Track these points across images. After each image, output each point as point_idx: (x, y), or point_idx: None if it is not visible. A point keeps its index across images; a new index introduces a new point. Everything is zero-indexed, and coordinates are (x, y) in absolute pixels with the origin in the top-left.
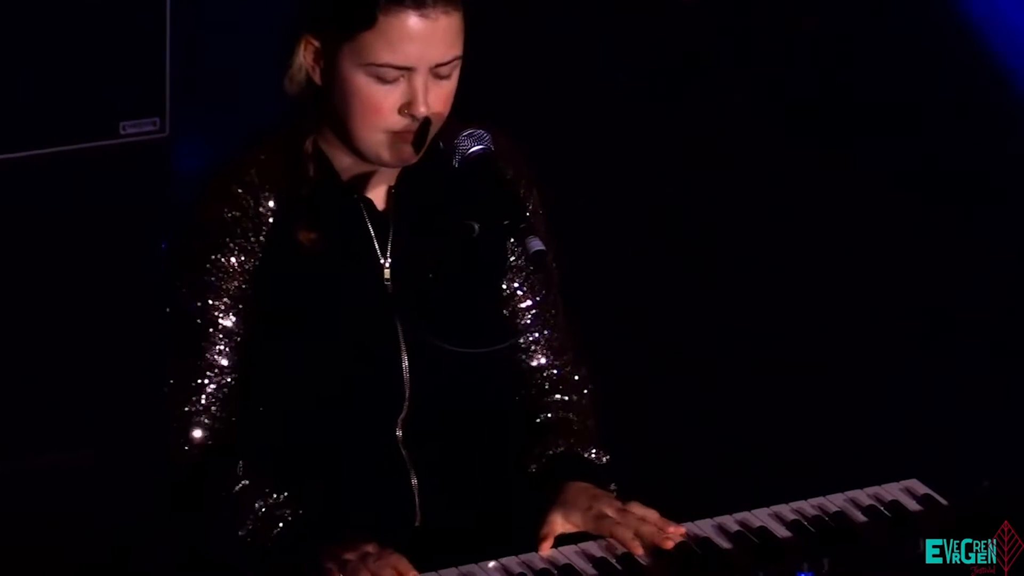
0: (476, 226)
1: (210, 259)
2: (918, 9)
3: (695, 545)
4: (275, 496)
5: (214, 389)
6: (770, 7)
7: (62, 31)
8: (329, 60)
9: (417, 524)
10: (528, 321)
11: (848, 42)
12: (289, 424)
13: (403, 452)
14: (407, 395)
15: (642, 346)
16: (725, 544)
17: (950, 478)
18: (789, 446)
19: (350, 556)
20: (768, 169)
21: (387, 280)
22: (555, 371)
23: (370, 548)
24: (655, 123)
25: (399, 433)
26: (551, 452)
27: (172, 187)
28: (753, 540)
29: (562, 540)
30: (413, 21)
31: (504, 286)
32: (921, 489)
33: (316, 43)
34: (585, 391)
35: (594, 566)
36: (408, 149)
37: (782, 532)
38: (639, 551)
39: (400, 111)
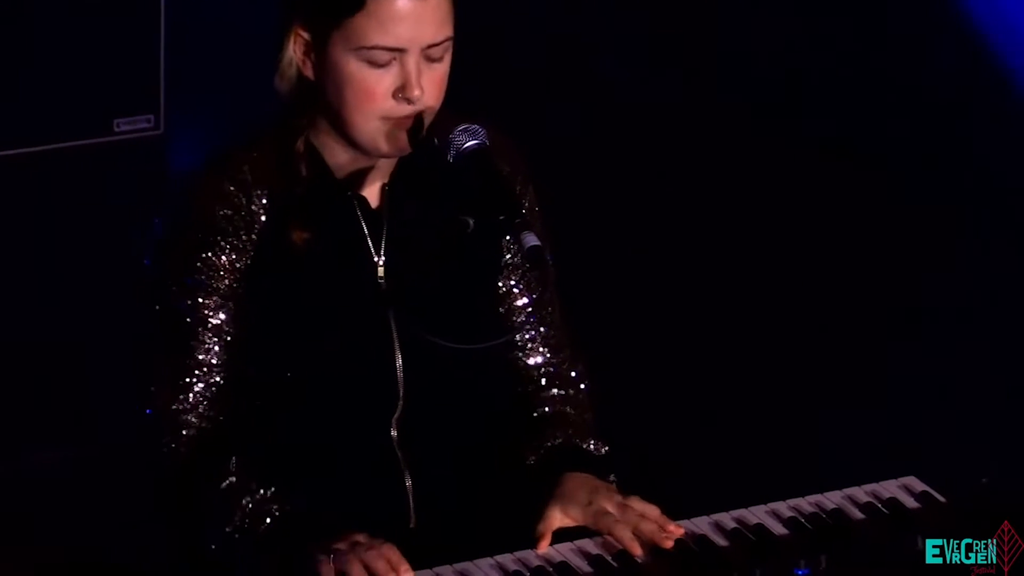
0: (471, 222)
1: (201, 257)
2: (918, 8)
3: (692, 543)
4: (262, 491)
5: (203, 388)
6: (769, 4)
7: (56, 29)
8: (319, 50)
9: (412, 525)
10: (524, 319)
11: (849, 40)
12: (282, 424)
13: (397, 452)
14: (401, 394)
15: (638, 343)
16: (722, 542)
17: (948, 475)
18: (786, 443)
19: (340, 546)
20: (766, 167)
21: (381, 278)
22: (552, 368)
23: (360, 538)
24: (653, 120)
25: (393, 433)
26: (549, 444)
27: (167, 185)
28: (750, 538)
29: (559, 535)
30: (403, 1)
31: (500, 283)
32: (919, 486)
33: (305, 35)
34: (582, 386)
35: (590, 564)
36: (404, 137)
37: (779, 529)
38: (638, 551)
39: (394, 95)
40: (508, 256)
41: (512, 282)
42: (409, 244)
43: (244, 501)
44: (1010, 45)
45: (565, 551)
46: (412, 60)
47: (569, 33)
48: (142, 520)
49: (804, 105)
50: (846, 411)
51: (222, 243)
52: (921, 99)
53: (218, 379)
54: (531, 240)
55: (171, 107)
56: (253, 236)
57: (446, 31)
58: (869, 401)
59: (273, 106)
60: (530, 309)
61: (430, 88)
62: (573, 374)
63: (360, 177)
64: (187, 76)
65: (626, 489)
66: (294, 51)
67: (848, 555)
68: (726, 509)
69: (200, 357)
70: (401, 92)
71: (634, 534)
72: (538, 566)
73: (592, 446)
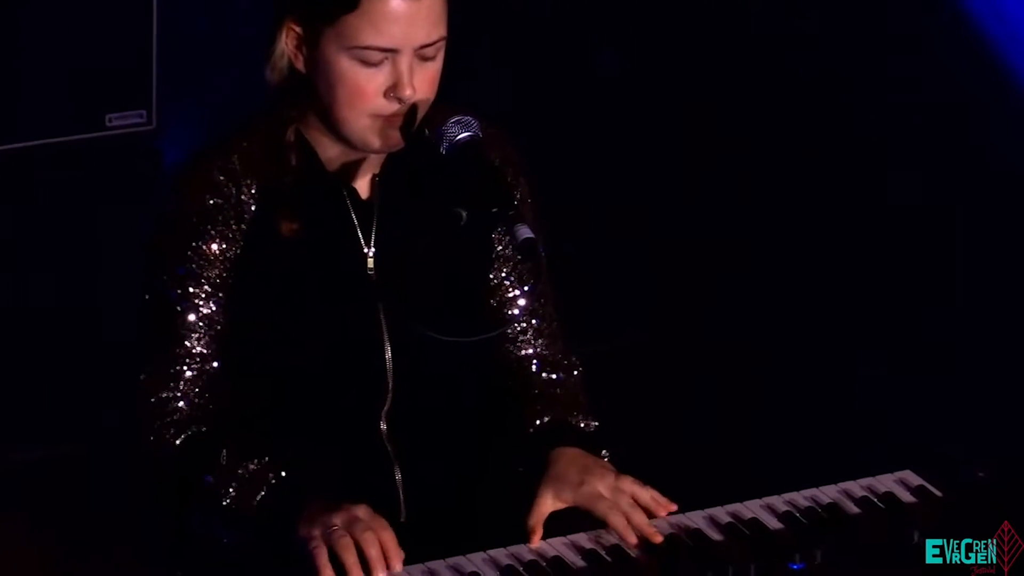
0: (464, 213)
1: (191, 246)
2: (919, 6)
3: (686, 537)
4: (256, 460)
5: (193, 376)
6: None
7: (48, 23)
8: (312, 46)
9: (402, 519)
10: (517, 311)
11: (849, 38)
12: (270, 416)
13: (387, 446)
14: (390, 387)
15: (633, 336)
16: (716, 536)
17: (945, 469)
18: (782, 436)
19: (337, 521)
20: (765, 163)
21: (371, 270)
22: (545, 357)
23: (360, 513)
24: (646, 111)
25: (383, 426)
26: (538, 422)
27: (159, 179)
28: (745, 532)
29: (553, 527)
30: (396, 2)
31: (492, 276)
32: (915, 480)
33: (298, 29)
34: (575, 372)
35: (583, 558)
36: (395, 134)
37: (774, 524)
38: (633, 540)
39: (386, 94)
40: (500, 248)
41: (504, 274)
42: (399, 236)
43: (239, 472)
44: (1013, 43)
45: (558, 545)
46: (405, 60)
47: (560, 21)
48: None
49: (801, 99)
50: (842, 405)
51: (212, 232)
52: (922, 98)
53: (208, 369)
54: (524, 232)
55: (163, 102)
56: (243, 226)
57: (439, 31)
58: (865, 394)
59: (265, 102)
60: (522, 302)
61: (422, 85)
62: (565, 362)
63: (350, 168)
64: (179, 71)
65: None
66: (286, 44)
67: (844, 549)
68: (721, 503)
69: (190, 347)
70: (393, 91)
71: (628, 525)
72: (531, 560)
73: (582, 422)
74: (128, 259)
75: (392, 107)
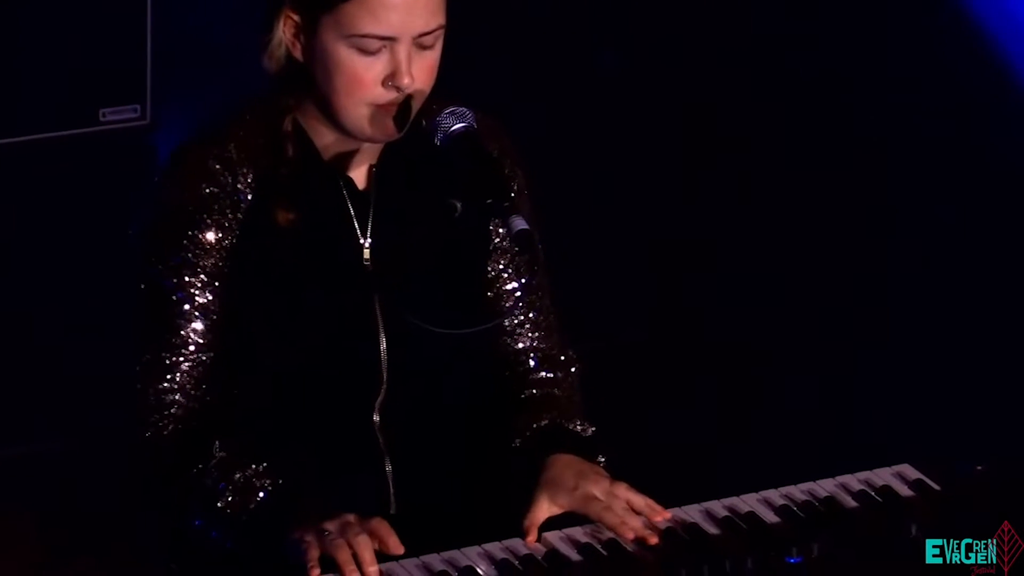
0: (459, 205)
1: (187, 235)
2: (920, 5)
3: (682, 530)
4: (253, 466)
5: (189, 367)
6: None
7: (42, 18)
8: (309, 34)
9: (393, 511)
10: (513, 303)
11: (849, 38)
12: (264, 406)
13: (379, 437)
14: (384, 378)
15: (630, 330)
16: (713, 530)
17: (943, 463)
18: (781, 435)
19: (330, 527)
20: (765, 163)
21: (367, 260)
22: (541, 352)
23: (352, 518)
24: (646, 110)
25: (376, 417)
26: (535, 425)
27: (153, 174)
28: (741, 526)
29: (548, 522)
30: None
31: (488, 268)
32: (913, 474)
33: (296, 17)
34: (572, 369)
35: (579, 552)
36: (392, 123)
37: (771, 517)
38: (630, 536)
39: (384, 83)
40: (496, 240)
41: (501, 266)
42: (396, 226)
43: (235, 475)
44: (1016, 41)
45: (554, 539)
46: (403, 48)
47: (558, 17)
48: (129, 507)
49: (801, 96)
50: (840, 398)
51: (208, 221)
52: (924, 96)
53: (203, 359)
54: (519, 224)
55: (157, 97)
56: (239, 215)
57: (438, 19)
58: (863, 388)
59: (261, 95)
60: (519, 294)
61: (420, 74)
62: (563, 357)
63: (347, 158)
64: (174, 66)
65: (616, 477)
66: (283, 32)
67: (841, 543)
68: (717, 497)
69: (186, 336)
70: (391, 80)
71: (623, 522)
72: (526, 555)
73: (579, 427)
74: (123, 254)
75: (390, 96)
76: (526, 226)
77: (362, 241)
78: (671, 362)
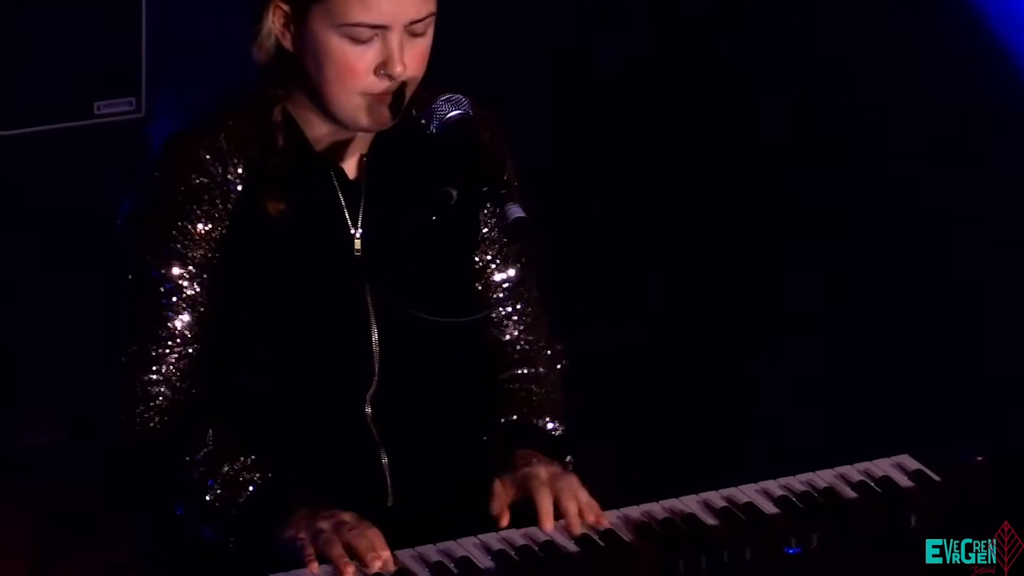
0: (454, 192)
1: (176, 226)
2: (920, 5)
3: (680, 521)
4: (242, 459)
5: (176, 359)
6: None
7: (36, 10)
8: (299, 23)
9: (390, 503)
10: (502, 295)
11: (849, 34)
12: (255, 398)
13: (372, 429)
14: (376, 370)
15: (626, 324)
16: (711, 520)
17: (943, 454)
18: (777, 421)
19: (324, 525)
20: (765, 163)
21: (357, 251)
22: (526, 346)
23: (347, 517)
24: (646, 109)
25: (368, 409)
26: (503, 421)
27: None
28: (740, 516)
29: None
30: None
31: (476, 258)
32: (913, 465)
33: (285, 7)
34: (558, 366)
35: (576, 543)
36: (385, 112)
37: (770, 508)
38: (548, 526)
39: (376, 71)
40: (485, 230)
41: (489, 257)
42: (387, 216)
43: (224, 469)
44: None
45: (551, 530)
46: (395, 36)
47: (557, 8)
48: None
49: (800, 94)
50: (839, 388)
51: (197, 212)
52: (926, 96)
53: (191, 351)
54: (516, 212)
55: (152, 90)
56: (228, 206)
57: (429, 7)
58: (864, 378)
59: (252, 86)
60: (507, 285)
61: (412, 62)
62: (548, 352)
63: (338, 148)
64: (168, 59)
65: (618, 469)
66: (273, 22)
67: (840, 534)
68: (715, 487)
69: (173, 328)
70: (383, 68)
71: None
72: (523, 545)
73: (549, 425)
74: (117, 246)
75: (382, 84)
76: (522, 214)
77: (353, 231)
78: (659, 338)
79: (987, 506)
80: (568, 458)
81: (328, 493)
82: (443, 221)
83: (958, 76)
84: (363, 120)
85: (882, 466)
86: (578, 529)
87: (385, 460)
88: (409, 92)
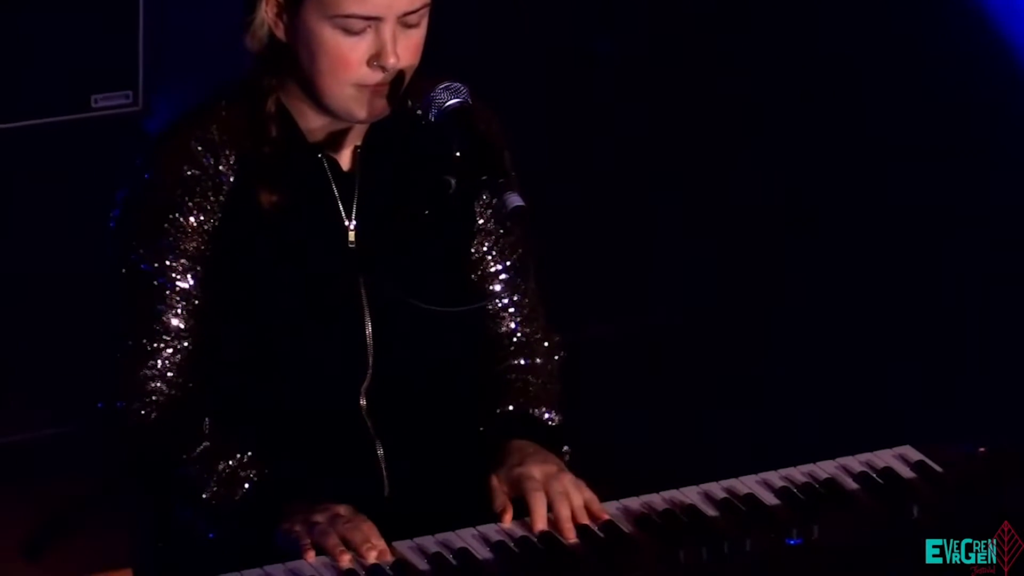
0: (452, 181)
1: (168, 218)
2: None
3: (681, 512)
4: (239, 456)
5: (171, 353)
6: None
7: (33, 4)
8: (292, 14)
9: (386, 494)
10: (498, 287)
11: (850, 34)
12: (249, 392)
13: (367, 421)
14: (370, 362)
15: (624, 319)
16: (711, 511)
17: (944, 445)
18: (779, 411)
19: (320, 518)
20: (765, 161)
21: (352, 242)
22: (523, 337)
23: (342, 510)
24: (640, 101)
25: (362, 402)
26: (498, 411)
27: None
28: (740, 507)
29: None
30: None
31: (473, 250)
32: (915, 455)
33: None
34: (556, 357)
35: (576, 534)
36: (380, 103)
37: (770, 499)
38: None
39: (369, 63)
40: (481, 221)
41: (485, 248)
42: (381, 208)
43: (220, 466)
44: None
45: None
46: (388, 28)
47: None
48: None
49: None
50: (840, 381)
51: (189, 204)
52: (929, 95)
53: (186, 344)
54: (515, 200)
55: (149, 83)
56: (221, 198)
57: None
58: (865, 369)
59: (245, 76)
60: (504, 276)
61: (405, 53)
62: (545, 344)
63: (332, 139)
64: (165, 51)
65: (618, 460)
66: (266, 12)
67: (842, 525)
68: (716, 478)
69: (168, 322)
70: (376, 59)
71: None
72: (522, 536)
73: (546, 415)
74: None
75: (376, 76)
76: (521, 203)
77: (347, 223)
78: (658, 331)
79: (988, 499)
80: (565, 448)
81: (324, 486)
82: (439, 212)
83: (958, 76)
84: (356, 112)
85: (884, 457)
86: (571, 535)
87: (380, 452)
88: (404, 83)
